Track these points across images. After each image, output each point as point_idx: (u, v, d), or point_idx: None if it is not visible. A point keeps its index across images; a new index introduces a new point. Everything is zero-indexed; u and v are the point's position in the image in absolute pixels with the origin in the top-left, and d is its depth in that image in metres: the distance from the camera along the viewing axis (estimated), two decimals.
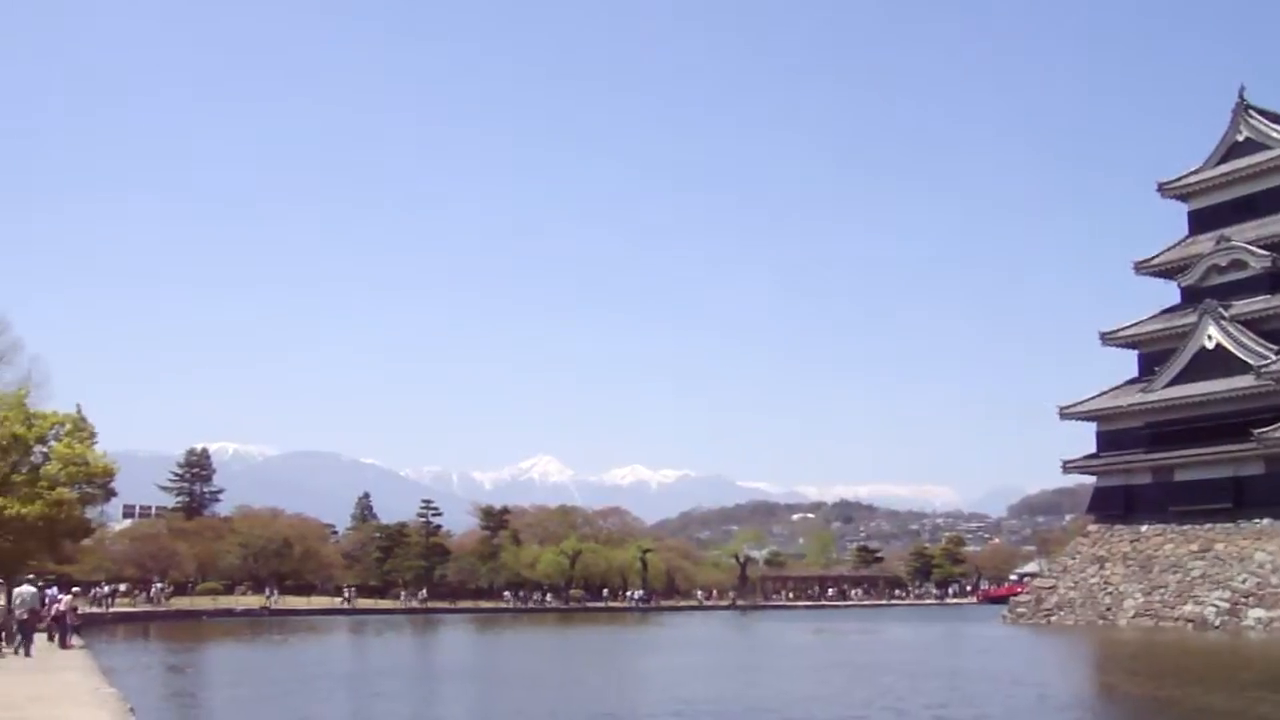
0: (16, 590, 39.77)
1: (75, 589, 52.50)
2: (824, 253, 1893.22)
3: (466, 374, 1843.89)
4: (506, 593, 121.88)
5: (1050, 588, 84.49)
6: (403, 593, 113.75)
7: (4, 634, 39.30)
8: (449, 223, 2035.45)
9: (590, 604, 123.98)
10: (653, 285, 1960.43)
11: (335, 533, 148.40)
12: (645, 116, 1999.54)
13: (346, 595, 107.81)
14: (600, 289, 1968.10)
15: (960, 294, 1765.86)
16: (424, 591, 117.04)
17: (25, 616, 37.95)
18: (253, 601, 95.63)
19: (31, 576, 49.34)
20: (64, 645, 40.70)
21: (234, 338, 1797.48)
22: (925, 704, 30.97)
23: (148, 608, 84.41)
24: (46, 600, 40.59)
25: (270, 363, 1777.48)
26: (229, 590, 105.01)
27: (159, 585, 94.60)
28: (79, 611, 48.00)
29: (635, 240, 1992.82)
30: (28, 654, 36.55)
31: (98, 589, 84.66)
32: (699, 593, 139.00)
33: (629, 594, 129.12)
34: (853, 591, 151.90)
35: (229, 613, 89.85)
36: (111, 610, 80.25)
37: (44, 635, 40.45)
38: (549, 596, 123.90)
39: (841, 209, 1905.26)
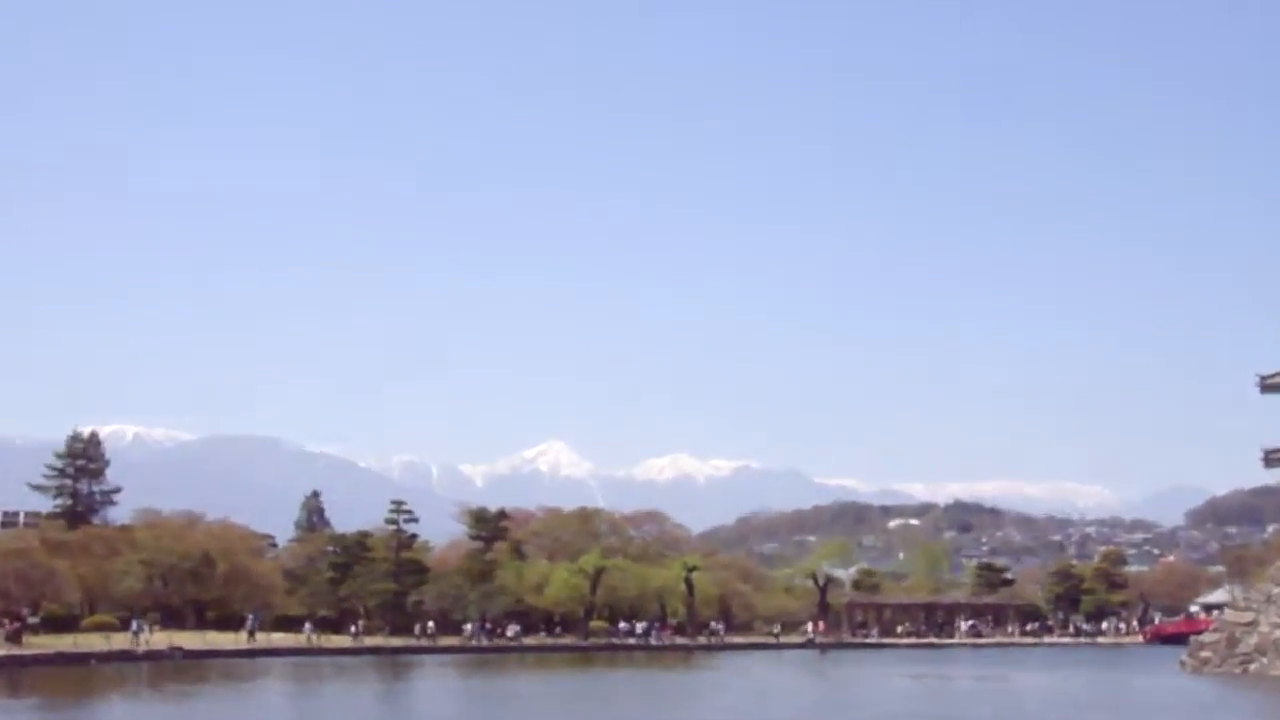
0: None
1: None
2: (929, 185, 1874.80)
3: (450, 335, 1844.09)
4: (467, 625, 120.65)
5: (1248, 624, 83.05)
6: (308, 625, 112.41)
7: None
8: (425, 142, 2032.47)
9: (617, 640, 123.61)
10: (698, 224, 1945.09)
11: (274, 545, 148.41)
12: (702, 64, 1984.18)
13: (250, 628, 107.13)
14: (629, 228, 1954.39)
15: (1121, 226, 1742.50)
16: (479, 627, 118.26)
17: None
18: (160, 640, 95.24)
19: None
20: None
21: (132, 289, 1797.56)
22: None
23: (14, 650, 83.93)
24: None
25: (182, 321, 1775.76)
26: (125, 624, 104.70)
27: None
28: None
29: (672, 175, 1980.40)
30: None
31: None
32: (768, 625, 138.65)
33: (627, 626, 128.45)
34: (971, 625, 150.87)
35: (128, 656, 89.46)
36: None
37: None
38: (516, 633, 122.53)
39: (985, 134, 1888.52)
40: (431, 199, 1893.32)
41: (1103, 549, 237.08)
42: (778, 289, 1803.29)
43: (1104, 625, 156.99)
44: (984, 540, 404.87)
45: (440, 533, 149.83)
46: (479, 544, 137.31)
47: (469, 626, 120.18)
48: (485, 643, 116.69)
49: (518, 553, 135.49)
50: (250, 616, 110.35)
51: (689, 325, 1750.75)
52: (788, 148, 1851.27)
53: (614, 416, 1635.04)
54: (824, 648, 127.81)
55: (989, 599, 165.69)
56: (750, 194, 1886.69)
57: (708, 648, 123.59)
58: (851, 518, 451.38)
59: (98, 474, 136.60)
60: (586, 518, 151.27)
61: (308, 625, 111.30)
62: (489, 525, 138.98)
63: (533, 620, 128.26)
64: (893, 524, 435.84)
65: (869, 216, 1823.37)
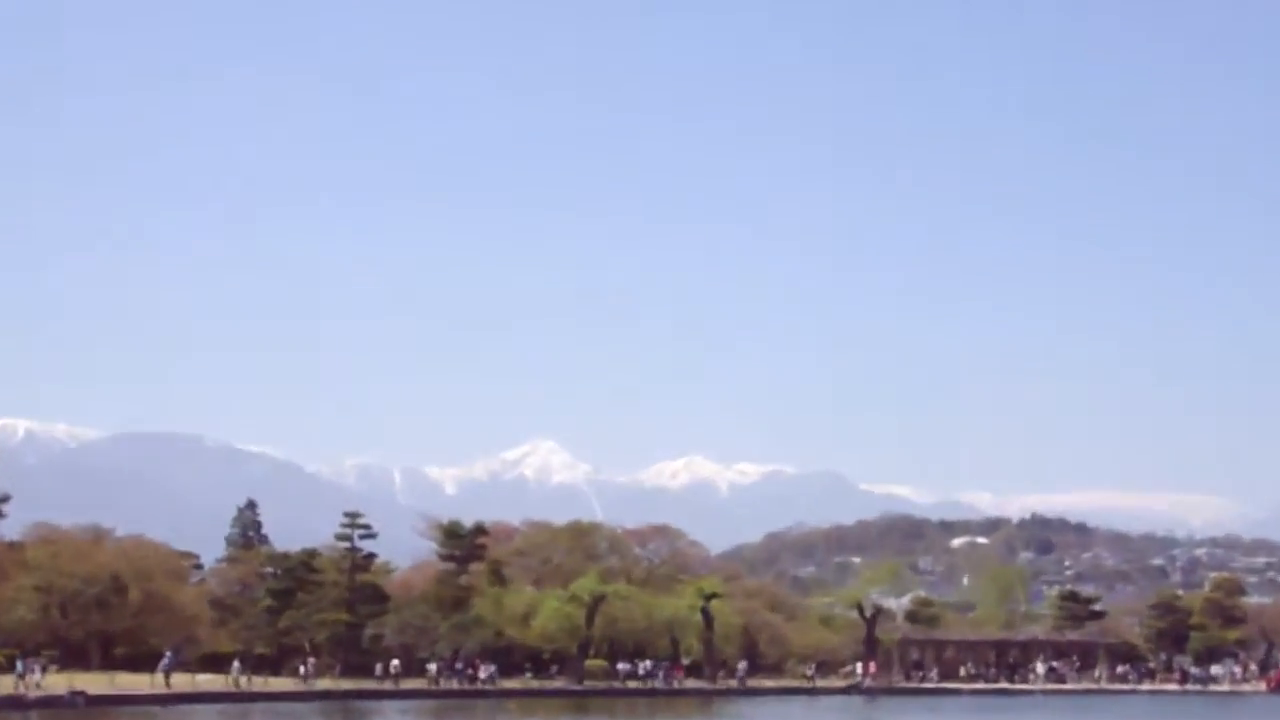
0: None
1: None
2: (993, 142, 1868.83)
3: (416, 312, 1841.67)
4: (432, 665, 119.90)
5: None
6: (236, 663, 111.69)
7: None
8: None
9: (618, 684, 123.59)
10: (717, 191, 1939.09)
11: (199, 566, 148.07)
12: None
13: (166, 667, 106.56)
14: (632, 181, 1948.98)
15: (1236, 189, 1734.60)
16: (445, 667, 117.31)
17: None
18: (57, 682, 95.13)
19: None
20: None
21: (27, 262, 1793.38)
22: None
23: None
24: None
25: (88, 301, 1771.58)
26: (9, 665, 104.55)
27: None
28: None
29: (695, 122, 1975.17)
30: None
31: None
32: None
33: (628, 667, 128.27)
34: (1051, 667, 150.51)
35: (18, 702, 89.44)
36: None
37: None
38: (491, 674, 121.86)
39: None
40: (390, 173, 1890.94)
41: (1215, 575, 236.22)
42: (811, 262, 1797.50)
43: (1216, 669, 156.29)
44: (1068, 563, 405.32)
45: (404, 551, 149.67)
46: (450, 565, 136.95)
47: (432, 666, 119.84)
48: (455, 685, 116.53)
49: (497, 576, 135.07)
50: (167, 654, 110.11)
51: (706, 304, 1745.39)
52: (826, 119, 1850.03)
53: (616, 410, 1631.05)
54: (871, 693, 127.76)
55: (1074, 635, 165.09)
56: (779, 166, 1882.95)
57: (728, 692, 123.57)
58: (904, 534, 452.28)
59: None
60: (582, 533, 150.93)
61: (236, 664, 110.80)
62: (463, 542, 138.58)
63: (516, 658, 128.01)
64: (955, 542, 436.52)
65: (919, 191, 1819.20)
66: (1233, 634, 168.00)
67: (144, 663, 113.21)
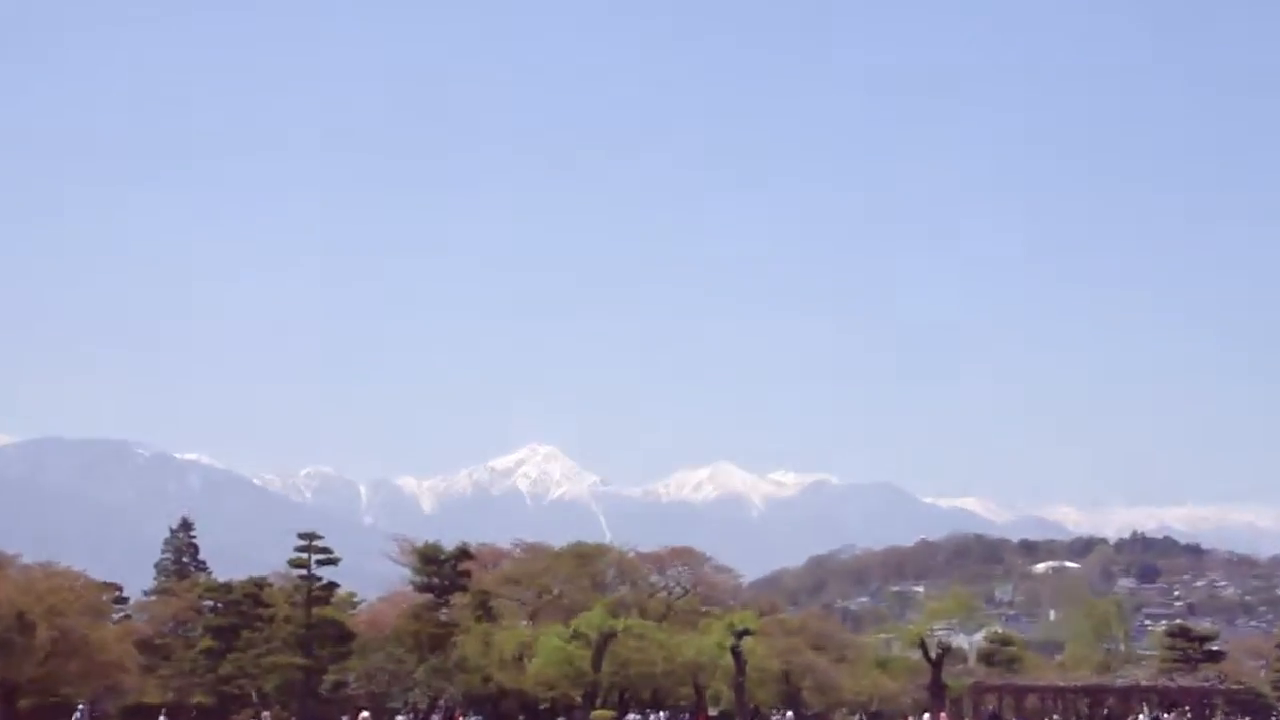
0: None
1: None
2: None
3: (388, 300, 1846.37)
4: (365, 714, 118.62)
5: None
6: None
7: None
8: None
9: None
10: (741, 147, 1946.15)
11: (124, 599, 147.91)
12: None
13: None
14: (639, 155, 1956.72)
15: None
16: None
17: None
18: None
19: None
20: None
21: None
22: None
23: None
24: None
25: None
26: None
27: None
28: None
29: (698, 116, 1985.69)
30: None
31: None
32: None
33: (636, 718, 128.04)
34: (1157, 717, 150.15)
35: None
36: None
37: None
38: None
39: None
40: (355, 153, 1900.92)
41: None
42: (855, 240, 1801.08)
43: None
44: (1177, 592, 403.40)
45: (371, 580, 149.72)
46: (428, 596, 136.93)
47: (404, 718, 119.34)
48: None
49: (485, 609, 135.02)
50: (81, 706, 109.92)
51: (729, 289, 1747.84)
52: None
53: (628, 410, 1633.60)
54: None
55: (1185, 680, 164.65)
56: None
57: None
58: (976, 557, 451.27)
59: None
60: (587, 557, 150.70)
61: (163, 719, 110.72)
62: (443, 569, 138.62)
63: (507, 708, 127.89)
64: (1039, 568, 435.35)
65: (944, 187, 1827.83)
66: None
67: (54, 716, 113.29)
